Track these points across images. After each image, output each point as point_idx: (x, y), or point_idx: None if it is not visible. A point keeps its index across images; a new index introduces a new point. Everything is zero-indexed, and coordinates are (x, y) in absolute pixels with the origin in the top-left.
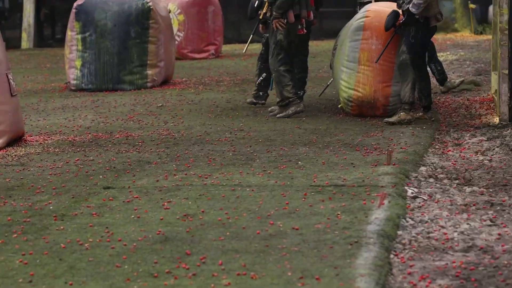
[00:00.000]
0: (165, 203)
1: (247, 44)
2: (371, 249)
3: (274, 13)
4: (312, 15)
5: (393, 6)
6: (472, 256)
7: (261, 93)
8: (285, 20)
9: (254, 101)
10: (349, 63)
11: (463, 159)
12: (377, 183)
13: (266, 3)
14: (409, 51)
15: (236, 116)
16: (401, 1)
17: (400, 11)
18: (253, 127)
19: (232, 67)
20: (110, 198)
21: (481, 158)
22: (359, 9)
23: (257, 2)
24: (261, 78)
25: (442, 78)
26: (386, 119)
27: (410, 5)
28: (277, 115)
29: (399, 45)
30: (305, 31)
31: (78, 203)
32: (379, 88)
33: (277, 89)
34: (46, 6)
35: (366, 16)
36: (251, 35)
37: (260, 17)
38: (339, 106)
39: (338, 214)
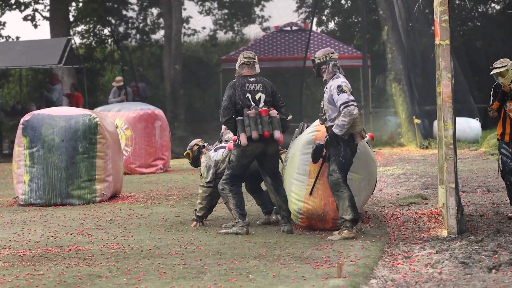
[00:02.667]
0: None
1: None
2: None
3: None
4: (276, 134)
5: None
6: None
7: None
8: (238, 142)
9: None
10: (299, 176)
11: (413, 271)
12: None
13: None
14: (340, 170)
15: (185, 230)
16: (323, 117)
17: (323, 141)
18: (203, 241)
19: (181, 181)
20: None
21: (431, 270)
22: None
23: None
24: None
25: None
26: (329, 237)
27: (334, 126)
28: (220, 231)
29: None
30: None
31: None
32: (329, 201)
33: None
34: None
35: (317, 130)
36: None
37: None
38: None
39: None
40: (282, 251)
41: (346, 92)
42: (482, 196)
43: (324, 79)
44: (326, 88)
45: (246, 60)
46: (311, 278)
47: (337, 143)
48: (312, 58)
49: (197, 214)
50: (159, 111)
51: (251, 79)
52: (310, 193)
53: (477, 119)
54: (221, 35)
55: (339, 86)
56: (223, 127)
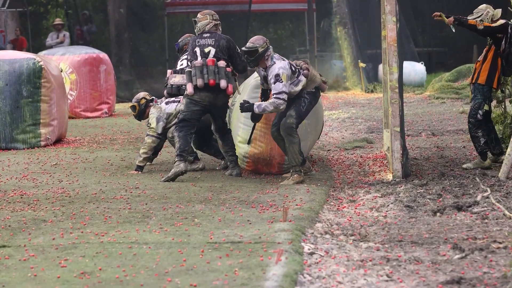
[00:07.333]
0: (62, 261)
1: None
2: None
3: None
4: (222, 83)
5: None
6: None
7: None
8: (186, 91)
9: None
10: (247, 120)
11: (358, 215)
12: (274, 239)
13: None
14: (297, 117)
15: (131, 174)
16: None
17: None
18: (149, 185)
19: (126, 125)
20: (6, 256)
21: (376, 214)
22: None
23: None
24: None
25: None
26: (281, 182)
27: (257, 104)
28: (161, 180)
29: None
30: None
31: None
32: (275, 146)
33: None
34: None
35: None
36: None
37: None
38: None
39: (236, 271)
40: (228, 195)
41: (282, 82)
42: (427, 139)
43: (265, 66)
44: (268, 75)
45: (216, 21)
46: (257, 222)
47: (302, 95)
48: (251, 48)
49: (139, 164)
50: (104, 55)
51: (205, 35)
52: (248, 142)
53: (422, 63)
54: None
55: (276, 75)
56: (169, 71)
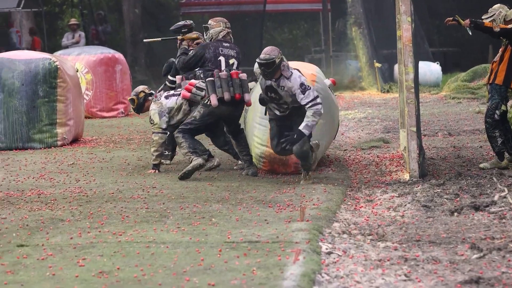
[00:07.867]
0: (80, 260)
1: None
2: None
3: None
4: (246, 96)
5: (306, 66)
6: None
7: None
8: (208, 101)
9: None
10: (263, 120)
11: (375, 215)
12: (291, 239)
13: None
14: (309, 139)
15: (148, 174)
16: (281, 110)
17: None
18: (166, 185)
19: (142, 125)
20: (24, 256)
21: (393, 214)
22: None
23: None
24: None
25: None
26: (302, 182)
27: (303, 126)
28: (178, 175)
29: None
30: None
31: None
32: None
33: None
34: None
35: None
36: None
37: None
38: None
39: (254, 270)
40: (245, 195)
41: (310, 88)
42: (443, 139)
43: (278, 76)
44: (282, 86)
45: (228, 29)
46: (274, 222)
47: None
48: (269, 59)
49: (154, 162)
50: (119, 55)
51: (225, 44)
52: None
53: (437, 63)
54: None
55: (301, 85)
56: (178, 77)
